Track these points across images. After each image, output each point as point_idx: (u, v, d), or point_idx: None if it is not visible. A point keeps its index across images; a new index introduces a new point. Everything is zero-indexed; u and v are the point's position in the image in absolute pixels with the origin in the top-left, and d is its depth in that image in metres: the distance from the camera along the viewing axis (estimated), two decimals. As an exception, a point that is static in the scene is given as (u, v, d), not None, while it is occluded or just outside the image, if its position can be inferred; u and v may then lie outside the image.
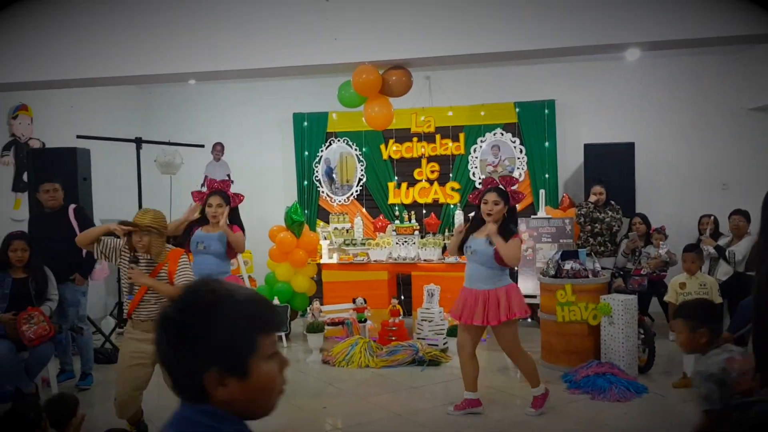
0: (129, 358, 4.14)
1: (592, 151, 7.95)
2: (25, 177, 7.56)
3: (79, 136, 6.91)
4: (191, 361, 1.33)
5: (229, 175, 9.06)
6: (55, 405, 3.51)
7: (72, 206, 6.01)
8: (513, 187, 4.82)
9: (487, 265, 4.72)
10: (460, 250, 4.94)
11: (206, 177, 8.99)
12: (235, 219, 5.36)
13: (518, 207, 5.04)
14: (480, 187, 4.95)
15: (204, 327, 1.33)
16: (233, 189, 9.32)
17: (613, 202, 7.39)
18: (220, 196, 5.22)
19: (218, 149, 9.14)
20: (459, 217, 8.04)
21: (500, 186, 4.77)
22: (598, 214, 7.27)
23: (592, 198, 7.33)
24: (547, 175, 8.41)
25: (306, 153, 9.18)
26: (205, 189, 5.51)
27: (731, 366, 2.84)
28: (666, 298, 5.77)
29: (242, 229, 5.37)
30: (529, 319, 8.03)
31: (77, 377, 5.98)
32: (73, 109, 8.32)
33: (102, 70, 5.95)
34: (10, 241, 5.33)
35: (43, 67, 6.02)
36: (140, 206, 7.23)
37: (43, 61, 6.00)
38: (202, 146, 8.21)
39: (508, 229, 4.70)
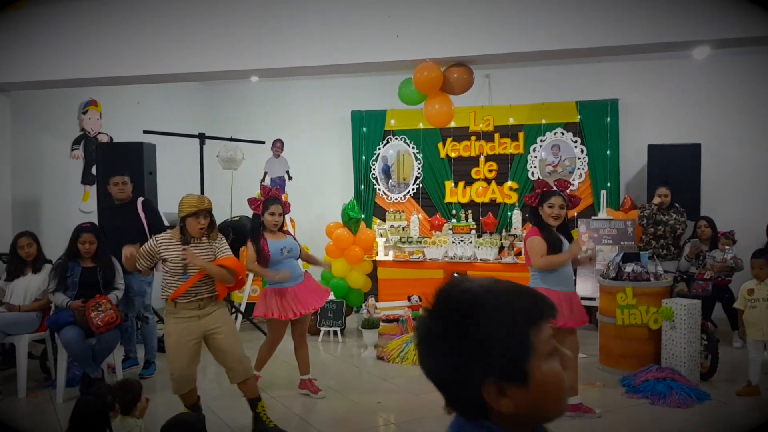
0: (179, 337, 4.29)
1: (656, 152, 7.76)
2: (93, 170, 7.83)
3: (145, 131, 7.11)
4: (463, 375, 1.17)
5: (288, 172, 9.18)
6: (120, 390, 3.63)
7: (140, 199, 6.19)
8: (567, 191, 4.82)
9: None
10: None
11: (265, 173, 9.18)
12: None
13: (577, 208, 5.02)
14: (535, 189, 4.82)
15: (468, 334, 1.16)
16: (291, 185, 9.53)
17: (677, 205, 7.21)
18: (280, 204, 5.27)
19: (278, 146, 9.27)
20: (517, 216, 7.97)
21: (561, 192, 4.74)
22: (661, 216, 7.10)
23: (656, 200, 7.16)
24: (608, 176, 8.26)
25: (364, 150, 9.24)
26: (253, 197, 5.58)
27: None
28: (735, 305, 5.60)
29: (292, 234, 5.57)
30: (587, 323, 7.95)
31: (141, 365, 6.16)
32: (139, 105, 8.58)
33: (168, 66, 6.14)
34: (79, 234, 5.51)
35: (112, 64, 6.25)
36: (202, 200, 7.40)
37: (111, 58, 6.22)
38: (263, 143, 8.34)
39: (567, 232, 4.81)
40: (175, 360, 4.31)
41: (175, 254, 4.31)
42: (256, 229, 5.28)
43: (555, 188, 4.74)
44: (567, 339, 4.57)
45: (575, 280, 5.07)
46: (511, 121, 8.66)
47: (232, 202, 9.09)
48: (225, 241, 4.56)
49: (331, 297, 7.61)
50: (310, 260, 5.76)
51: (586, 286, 7.15)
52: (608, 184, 8.21)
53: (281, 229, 5.35)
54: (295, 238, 5.45)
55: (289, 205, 5.55)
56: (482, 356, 1.15)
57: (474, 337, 1.15)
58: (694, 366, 5.51)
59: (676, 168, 7.53)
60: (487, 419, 1.18)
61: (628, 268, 5.92)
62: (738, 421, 4.78)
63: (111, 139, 8.14)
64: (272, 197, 5.28)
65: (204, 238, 4.37)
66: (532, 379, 1.16)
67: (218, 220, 9.19)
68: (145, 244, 4.45)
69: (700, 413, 4.88)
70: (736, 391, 5.25)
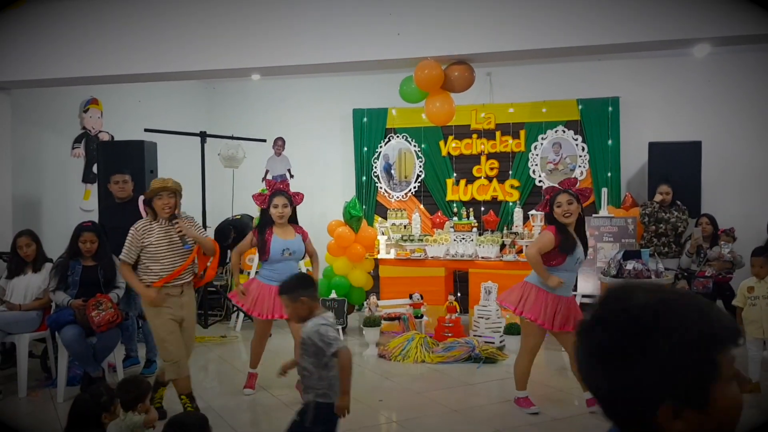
0: (169, 322, 4.53)
1: (656, 149, 7.75)
2: (94, 169, 7.83)
3: (146, 130, 7.12)
4: (636, 394, 1.11)
5: (289, 170, 9.18)
6: (128, 386, 3.63)
7: (142, 197, 6.19)
8: (576, 186, 4.77)
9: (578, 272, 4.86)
10: (562, 256, 4.66)
11: (267, 171, 9.18)
12: (293, 218, 5.39)
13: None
14: (545, 196, 4.82)
15: (650, 353, 1.09)
16: (293, 183, 9.52)
17: (679, 203, 7.20)
18: (285, 197, 5.25)
19: (279, 144, 9.27)
20: (518, 214, 7.97)
21: (567, 189, 4.72)
22: (663, 214, 7.09)
23: (658, 197, 7.14)
24: (609, 174, 8.25)
25: (365, 149, 9.24)
26: (258, 194, 5.57)
27: None
28: (734, 302, 5.59)
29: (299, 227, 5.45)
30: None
31: (142, 364, 6.17)
32: (140, 103, 8.59)
33: (169, 65, 6.14)
34: (80, 233, 5.51)
35: (113, 62, 6.25)
36: (204, 199, 7.41)
37: (112, 57, 6.22)
38: (264, 141, 8.35)
39: (585, 241, 4.81)
40: (171, 345, 4.52)
41: (156, 237, 4.54)
42: (265, 223, 5.29)
43: (559, 188, 4.73)
44: (569, 339, 4.62)
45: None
46: (513, 118, 8.65)
47: (233, 201, 9.11)
48: (200, 225, 4.95)
49: (333, 295, 7.62)
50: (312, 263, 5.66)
51: (587, 284, 7.15)
52: (609, 182, 8.20)
53: (294, 222, 5.34)
54: (305, 239, 5.36)
55: (301, 195, 5.45)
56: (664, 378, 1.08)
57: (656, 357, 1.08)
58: (696, 364, 5.50)
59: (676, 165, 7.52)
60: None
61: (629, 265, 5.93)
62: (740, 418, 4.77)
63: (112, 137, 8.15)
64: (276, 190, 5.27)
65: (177, 221, 4.62)
66: (714, 405, 1.09)
67: (220, 219, 9.24)
68: (128, 236, 4.59)
69: (701, 411, 4.87)
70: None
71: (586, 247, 4.79)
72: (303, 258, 5.46)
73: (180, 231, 4.55)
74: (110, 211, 6.30)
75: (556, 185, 4.81)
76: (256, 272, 8.14)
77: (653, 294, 1.14)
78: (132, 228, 4.60)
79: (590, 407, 4.77)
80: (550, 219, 4.76)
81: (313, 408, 3.25)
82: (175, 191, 4.61)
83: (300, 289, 3.37)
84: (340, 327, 7.43)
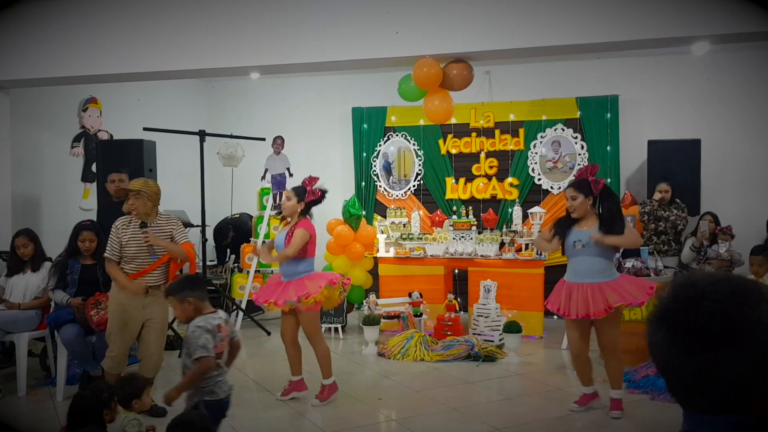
0: (125, 319, 4.67)
1: (655, 147, 7.75)
2: (93, 168, 7.83)
3: (145, 129, 7.11)
4: (731, 378, 1.12)
5: (288, 169, 9.17)
6: (123, 383, 3.63)
7: None
8: (593, 177, 4.70)
9: (603, 255, 4.62)
10: (561, 245, 4.78)
11: (266, 170, 9.17)
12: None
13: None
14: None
15: (744, 335, 1.11)
16: (292, 182, 9.49)
17: (678, 200, 7.20)
18: (293, 191, 5.08)
19: (278, 143, 9.26)
20: (517, 213, 7.97)
21: (580, 180, 4.74)
22: (662, 212, 7.09)
23: (657, 196, 7.14)
24: (608, 172, 8.25)
25: (364, 147, 9.24)
26: (265, 182, 5.54)
27: None
28: None
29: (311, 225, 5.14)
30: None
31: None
32: (139, 102, 8.58)
33: (168, 63, 6.14)
34: (79, 232, 5.50)
35: (112, 61, 6.25)
36: (203, 197, 7.40)
37: (111, 55, 6.23)
38: (263, 139, 8.33)
39: (612, 222, 4.60)
40: (118, 340, 4.66)
41: (130, 236, 4.68)
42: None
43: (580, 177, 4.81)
44: (599, 327, 4.68)
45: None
46: (512, 117, 8.65)
47: (232, 200, 9.11)
48: (182, 225, 4.99)
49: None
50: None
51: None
52: (608, 180, 8.20)
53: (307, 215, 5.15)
54: (292, 232, 4.99)
55: (318, 191, 5.12)
56: (761, 359, 1.09)
57: (753, 339, 1.09)
58: (695, 362, 5.50)
59: (676, 163, 7.52)
60: (738, 414, 1.13)
61: (628, 263, 5.93)
62: (738, 417, 4.77)
63: (111, 136, 8.14)
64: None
65: (159, 220, 4.80)
66: None
67: (219, 218, 9.24)
68: (110, 232, 4.74)
69: (700, 409, 4.86)
70: (737, 387, 5.24)
71: (608, 228, 4.58)
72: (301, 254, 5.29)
73: (147, 241, 4.66)
74: (108, 210, 6.26)
75: (582, 170, 4.87)
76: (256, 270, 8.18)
77: (734, 279, 1.16)
78: (113, 225, 4.75)
79: (579, 405, 4.78)
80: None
81: (204, 407, 3.32)
82: (139, 191, 4.70)
83: (186, 290, 3.51)
84: (339, 326, 7.44)
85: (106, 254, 4.71)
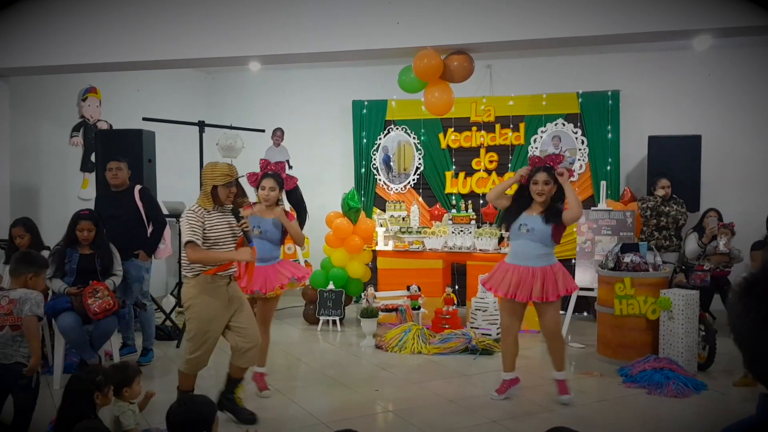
0: (214, 316, 4.20)
1: (656, 143, 7.74)
2: (93, 158, 7.81)
3: (144, 119, 7.09)
4: None
5: (288, 161, 9.17)
6: (117, 371, 3.63)
7: (138, 187, 6.18)
8: (560, 165, 4.78)
9: (544, 243, 4.74)
10: (506, 227, 4.98)
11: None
12: (296, 202, 5.14)
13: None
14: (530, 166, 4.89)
15: None
16: (291, 174, 9.47)
17: (675, 196, 7.20)
18: (274, 179, 4.99)
19: (278, 135, 9.25)
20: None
21: (548, 165, 4.76)
22: (664, 207, 7.08)
23: (660, 192, 7.12)
24: (609, 167, 8.24)
25: (364, 140, 9.22)
26: (251, 172, 5.41)
27: None
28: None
29: (305, 211, 5.17)
30: (585, 313, 7.95)
31: (138, 352, 6.16)
32: (139, 93, 8.57)
33: (168, 52, 6.12)
34: (77, 221, 5.49)
35: (111, 50, 6.23)
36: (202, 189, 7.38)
37: (111, 44, 6.21)
38: (263, 131, 8.31)
39: (555, 211, 4.75)
40: (202, 339, 4.20)
41: (217, 224, 4.21)
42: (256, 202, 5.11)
43: (547, 163, 4.78)
44: (542, 310, 4.80)
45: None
46: (512, 111, 8.63)
47: (231, 191, 9.06)
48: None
49: (331, 286, 7.62)
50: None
51: (584, 277, 7.14)
52: (608, 175, 8.19)
53: (296, 204, 5.14)
54: (291, 230, 5.00)
55: (294, 180, 5.16)
56: None
57: None
58: (692, 356, 5.51)
59: (676, 159, 7.51)
60: None
61: (627, 258, 5.92)
62: (735, 411, 4.77)
63: (110, 126, 8.12)
64: (268, 172, 5.05)
65: (245, 220, 4.36)
66: None
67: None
68: (188, 218, 4.15)
69: (696, 403, 4.88)
70: (733, 382, 5.25)
71: (556, 214, 4.73)
72: (284, 243, 5.26)
73: (245, 226, 4.27)
74: (107, 200, 6.25)
75: (543, 157, 4.90)
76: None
77: None
78: (187, 212, 4.20)
79: (566, 394, 4.81)
80: (520, 192, 4.88)
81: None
82: (237, 180, 4.34)
83: (21, 266, 3.93)
84: (337, 318, 7.44)
85: (189, 239, 4.09)
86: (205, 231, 4.16)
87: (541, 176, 4.72)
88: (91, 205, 6.60)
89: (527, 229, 4.72)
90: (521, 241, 4.78)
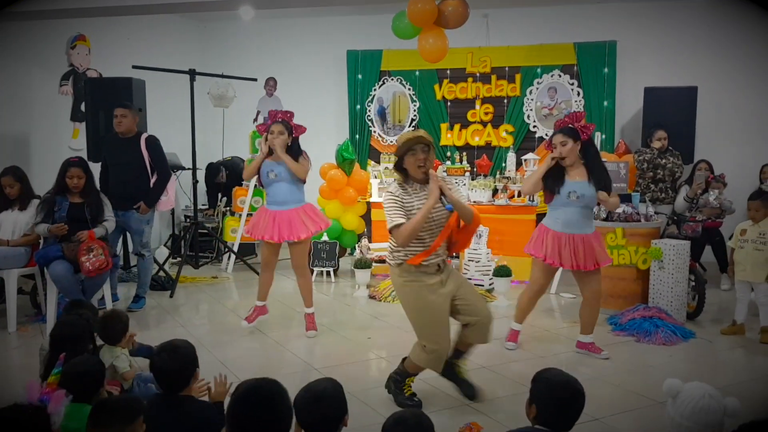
0: (434, 309, 3.70)
1: (652, 94, 7.67)
2: (83, 107, 7.71)
3: (134, 67, 6.98)
4: None
5: (281, 112, 9.09)
6: (108, 320, 3.64)
7: (144, 135, 6.09)
8: (580, 123, 4.66)
9: (591, 208, 4.70)
10: (549, 194, 4.69)
11: (258, 112, 9.08)
12: (295, 150, 5.15)
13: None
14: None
15: None
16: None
17: (671, 148, 7.16)
18: (283, 125, 5.08)
19: (271, 84, 9.14)
20: (511, 159, 7.93)
21: (567, 126, 4.64)
22: (660, 160, 7.04)
23: (656, 144, 7.07)
24: (604, 119, 8.18)
25: (359, 91, 9.12)
26: (261, 123, 5.44)
27: None
28: (728, 243, 5.58)
29: (305, 158, 5.19)
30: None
31: (120, 300, 6.21)
32: (129, 41, 8.41)
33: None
34: (67, 168, 5.44)
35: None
36: (194, 138, 7.32)
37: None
38: (255, 80, 8.19)
39: (602, 172, 4.63)
40: (431, 330, 3.71)
41: (417, 201, 3.66)
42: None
43: (568, 125, 4.67)
44: (587, 279, 4.73)
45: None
46: (508, 62, 8.53)
47: (223, 141, 9.03)
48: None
49: (325, 238, 7.62)
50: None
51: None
52: (604, 127, 8.14)
53: (293, 151, 5.11)
54: (291, 166, 5.03)
55: (301, 129, 5.19)
56: None
57: None
58: (681, 305, 5.56)
59: (671, 111, 7.46)
60: None
61: (620, 209, 5.91)
62: (722, 358, 4.84)
63: (100, 75, 8.00)
64: (276, 119, 5.12)
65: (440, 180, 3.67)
66: None
67: (209, 159, 9.16)
68: (386, 201, 3.67)
69: (684, 350, 4.93)
70: (721, 330, 5.31)
71: (599, 179, 4.60)
72: (297, 181, 5.27)
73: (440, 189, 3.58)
74: (111, 146, 6.11)
75: (563, 118, 4.76)
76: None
77: None
78: (387, 194, 3.71)
79: (579, 349, 4.83)
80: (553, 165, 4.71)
81: None
82: (430, 144, 3.70)
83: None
84: (331, 269, 7.46)
85: (396, 222, 3.58)
86: (407, 210, 3.62)
87: (557, 138, 4.61)
88: (83, 156, 6.54)
89: (577, 196, 4.57)
90: (572, 209, 4.61)
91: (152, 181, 6.05)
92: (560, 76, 8.34)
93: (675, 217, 6.77)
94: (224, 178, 8.71)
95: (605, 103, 8.19)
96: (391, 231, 3.63)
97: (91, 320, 3.47)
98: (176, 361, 2.73)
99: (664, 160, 7.05)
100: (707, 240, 6.70)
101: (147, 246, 6.20)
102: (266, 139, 5.13)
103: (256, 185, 7.83)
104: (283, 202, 5.15)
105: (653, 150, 7.08)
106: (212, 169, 8.86)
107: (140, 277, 6.21)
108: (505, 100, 8.62)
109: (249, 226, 5.33)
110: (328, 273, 7.55)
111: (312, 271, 7.53)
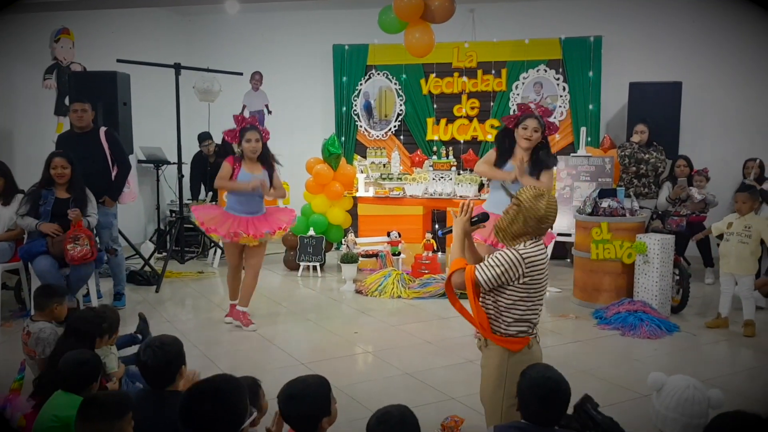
0: None
1: (637, 89, 7.72)
2: (66, 101, 7.64)
3: (119, 60, 6.93)
4: None
5: (267, 106, 9.05)
6: (108, 315, 3.62)
7: (103, 128, 6.02)
8: (550, 119, 4.70)
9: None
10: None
11: (244, 106, 9.04)
12: (266, 154, 5.24)
13: (557, 145, 4.89)
14: (516, 112, 4.83)
15: None
16: (271, 119, 9.38)
17: (655, 143, 7.20)
18: (256, 131, 5.15)
19: (257, 79, 9.10)
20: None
21: (538, 115, 4.66)
22: (642, 155, 7.08)
23: (635, 137, 7.12)
24: (589, 114, 8.22)
25: (345, 86, 9.11)
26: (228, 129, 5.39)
27: None
28: (713, 230, 5.56)
29: (276, 162, 5.34)
30: (569, 260, 8.03)
31: (102, 298, 6.14)
32: (114, 35, 8.35)
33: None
34: (52, 158, 5.38)
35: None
36: (179, 132, 7.28)
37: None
38: (241, 74, 8.17)
39: (540, 162, 4.64)
40: None
41: None
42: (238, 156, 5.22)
43: (534, 112, 4.68)
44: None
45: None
46: (495, 56, 8.54)
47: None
48: None
49: (311, 233, 7.61)
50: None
51: (562, 222, 7.16)
52: (589, 122, 8.18)
53: (263, 159, 5.20)
54: (272, 176, 5.23)
55: (268, 133, 5.33)
56: None
57: None
58: (665, 299, 5.60)
59: (656, 106, 7.51)
60: None
61: (604, 203, 5.95)
62: (706, 351, 4.89)
63: (84, 68, 7.93)
64: (248, 125, 5.17)
65: None
66: None
67: (194, 153, 9.05)
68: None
69: (669, 343, 4.98)
70: (705, 323, 5.36)
71: (539, 170, 4.64)
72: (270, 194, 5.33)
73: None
74: (69, 141, 5.97)
75: (533, 108, 4.76)
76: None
77: None
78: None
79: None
80: (509, 136, 4.72)
81: None
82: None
83: (43, 300, 3.77)
84: (318, 264, 7.45)
85: None
86: None
87: (532, 122, 4.59)
88: (52, 147, 6.46)
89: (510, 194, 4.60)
90: (501, 191, 4.61)
91: (113, 174, 5.98)
92: (546, 71, 8.38)
93: (660, 212, 6.83)
94: (213, 149, 8.48)
95: (590, 98, 8.23)
96: None
97: (104, 324, 3.45)
98: (163, 357, 2.72)
99: (647, 155, 7.09)
100: (691, 234, 6.76)
101: (116, 240, 6.14)
102: (239, 144, 5.17)
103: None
104: (256, 211, 5.28)
105: (632, 144, 7.11)
106: (199, 160, 8.76)
107: (115, 274, 6.14)
108: (492, 95, 8.64)
109: (210, 223, 5.18)
110: (314, 268, 7.54)
111: (299, 266, 7.52)
